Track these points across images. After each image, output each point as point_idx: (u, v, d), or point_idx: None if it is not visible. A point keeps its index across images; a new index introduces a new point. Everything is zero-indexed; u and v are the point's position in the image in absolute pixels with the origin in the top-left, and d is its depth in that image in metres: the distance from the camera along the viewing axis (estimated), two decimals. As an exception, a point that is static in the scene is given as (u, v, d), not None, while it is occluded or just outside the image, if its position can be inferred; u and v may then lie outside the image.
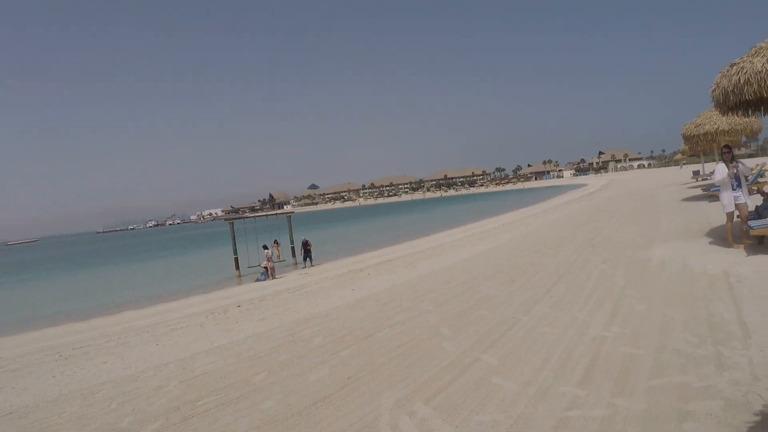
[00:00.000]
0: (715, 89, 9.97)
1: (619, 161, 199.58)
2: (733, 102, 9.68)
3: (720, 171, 9.87)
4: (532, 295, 8.62)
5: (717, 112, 19.62)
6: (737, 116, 11.93)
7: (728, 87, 9.42)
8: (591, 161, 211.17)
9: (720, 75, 9.88)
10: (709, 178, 36.85)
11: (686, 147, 34.38)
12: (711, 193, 20.81)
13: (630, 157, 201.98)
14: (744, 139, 23.89)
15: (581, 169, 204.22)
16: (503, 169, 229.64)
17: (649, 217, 18.55)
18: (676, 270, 8.87)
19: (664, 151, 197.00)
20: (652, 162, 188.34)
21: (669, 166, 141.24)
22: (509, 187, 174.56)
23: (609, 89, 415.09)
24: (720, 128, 19.90)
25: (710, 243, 10.84)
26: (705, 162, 42.01)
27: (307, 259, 23.70)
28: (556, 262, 11.67)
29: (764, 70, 8.72)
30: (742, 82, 9.06)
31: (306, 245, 23.73)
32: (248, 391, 6.03)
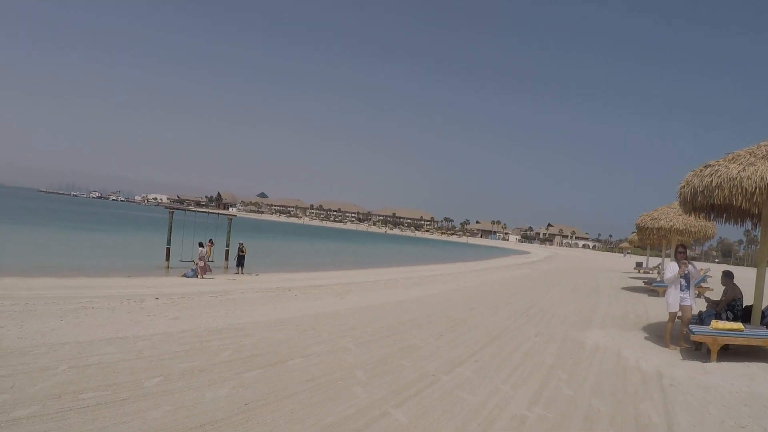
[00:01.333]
0: (684, 186, 10.09)
1: (566, 237, 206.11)
2: (700, 203, 9.81)
3: (671, 269, 9.92)
4: (458, 355, 8.32)
5: (674, 210, 20.47)
6: (697, 218, 12.15)
7: (699, 187, 9.55)
8: (539, 231, 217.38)
9: (692, 174, 10.03)
10: (651, 271, 38.13)
11: (635, 237, 35.46)
12: (652, 288, 21.31)
13: (577, 235, 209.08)
14: (692, 242, 24.66)
15: (528, 237, 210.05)
16: (452, 220, 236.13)
17: (588, 297, 18.77)
18: (609, 359, 8.77)
19: (611, 236, 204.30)
20: (597, 244, 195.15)
21: (613, 251, 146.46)
22: (454, 238, 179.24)
23: (574, 166, 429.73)
24: (674, 226, 20.39)
25: (646, 338, 10.87)
26: (651, 255, 43.46)
27: (240, 265, 23.11)
28: (489, 324, 11.49)
29: (738, 178, 8.84)
30: (714, 184, 9.18)
31: (240, 250, 23.20)
32: (138, 394, 5.52)
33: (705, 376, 7.84)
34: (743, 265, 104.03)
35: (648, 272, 38.49)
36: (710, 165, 9.66)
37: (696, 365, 8.53)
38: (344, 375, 6.75)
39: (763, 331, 9.32)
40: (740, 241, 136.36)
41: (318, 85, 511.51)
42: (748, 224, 11.88)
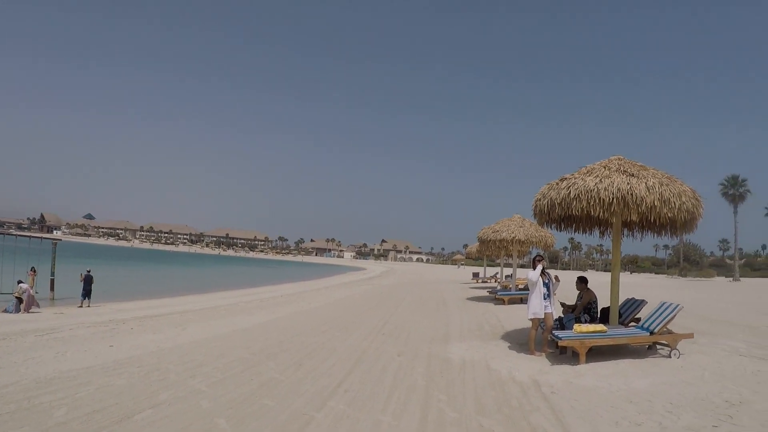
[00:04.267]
0: (540, 199, 10.68)
1: (400, 251, 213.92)
2: (558, 214, 10.38)
3: (535, 274, 10.18)
4: (324, 386, 7.72)
5: (515, 222, 21.82)
6: (544, 228, 12.81)
7: (556, 199, 10.14)
8: (373, 247, 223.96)
9: (548, 186, 10.68)
10: (489, 281, 40.36)
11: (473, 249, 37.27)
12: (497, 297, 22.22)
13: (411, 249, 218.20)
14: (536, 250, 26.31)
15: (362, 253, 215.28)
16: (286, 239, 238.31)
17: (438, 311, 19.10)
18: (480, 373, 8.69)
19: (443, 249, 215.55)
20: (431, 258, 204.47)
21: (446, 264, 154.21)
22: (289, 257, 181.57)
23: (405, 181, 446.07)
24: (516, 237, 21.55)
25: (509, 347, 11.06)
26: (488, 266, 45.98)
27: (86, 297, 20.49)
28: (347, 347, 11.02)
29: (596, 189, 9.57)
30: (572, 196, 9.81)
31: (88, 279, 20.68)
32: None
33: (580, 379, 8.08)
34: (569, 269, 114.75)
35: (486, 282, 40.63)
36: (566, 178, 10.35)
37: (568, 369, 8.79)
38: (204, 426, 5.83)
39: (624, 330, 9.93)
40: (565, 248, 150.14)
41: (140, 102, 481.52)
42: (596, 233, 12.68)
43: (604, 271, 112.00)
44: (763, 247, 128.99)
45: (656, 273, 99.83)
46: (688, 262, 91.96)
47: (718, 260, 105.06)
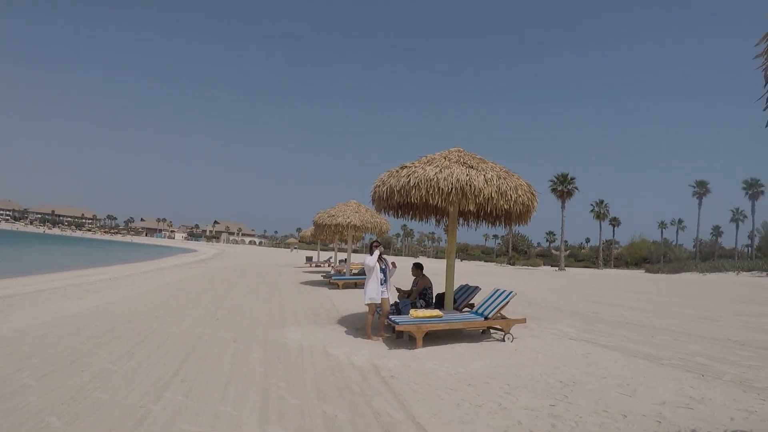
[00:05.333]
0: (380, 186, 10.82)
1: (232, 233, 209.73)
2: (396, 201, 10.60)
3: (371, 258, 10.31)
4: (159, 376, 7.24)
5: (351, 208, 22.19)
6: (380, 215, 13.08)
7: (395, 186, 10.31)
8: (205, 228, 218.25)
9: (388, 174, 10.86)
10: (322, 265, 40.66)
11: (307, 232, 37.33)
12: (331, 281, 22.43)
13: (243, 231, 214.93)
14: (371, 236, 26.90)
15: (194, 235, 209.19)
16: (115, 218, 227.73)
17: (271, 295, 18.86)
18: (318, 358, 8.66)
19: (276, 232, 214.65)
20: (263, 240, 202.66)
21: (279, 247, 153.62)
22: (118, 237, 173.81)
23: (237, 161, 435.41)
24: (352, 222, 21.85)
25: (346, 332, 11.14)
26: (321, 250, 46.23)
27: None
28: (181, 333, 10.47)
29: (435, 179, 9.85)
30: (411, 184, 10.02)
31: None
32: None
33: (418, 363, 8.33)
34: (401, 255, 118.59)
35: (320, 266, 40.89)
36: (407, 166, 10.58)
37: (405, 353, 9.02)
38: (35, 425, 5.19)
39: (459, 315, 10.39)
40: (398, 235, 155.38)
41: None
42: (432, 221, 13.15)
43: (436, 258, 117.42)
44: (587, 240, 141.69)
45: (486, 261, 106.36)
46: (516, 252, 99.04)
47: (544, 250, 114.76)
